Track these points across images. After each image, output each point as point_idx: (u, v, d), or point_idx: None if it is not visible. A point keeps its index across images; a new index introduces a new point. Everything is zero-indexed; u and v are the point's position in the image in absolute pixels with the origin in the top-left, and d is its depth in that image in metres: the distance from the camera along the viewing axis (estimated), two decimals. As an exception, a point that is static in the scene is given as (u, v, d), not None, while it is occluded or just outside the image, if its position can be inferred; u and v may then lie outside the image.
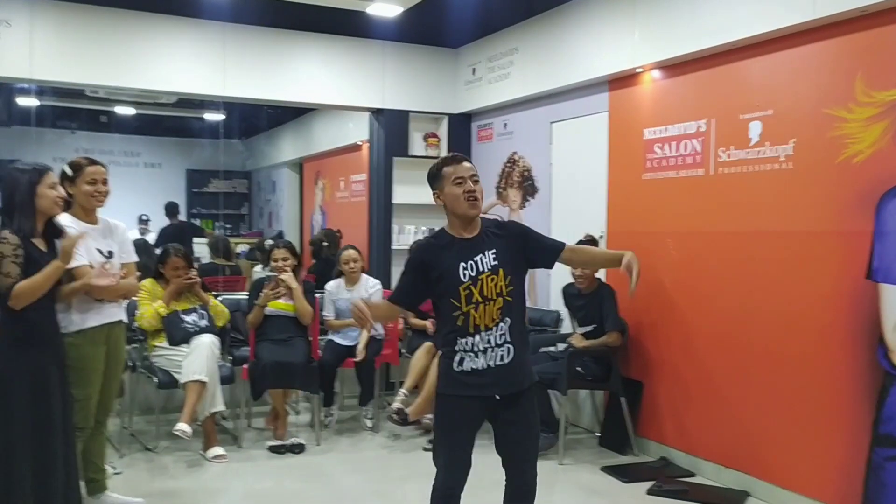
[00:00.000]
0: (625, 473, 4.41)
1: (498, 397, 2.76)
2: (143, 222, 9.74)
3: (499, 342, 2.73)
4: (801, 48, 3.83)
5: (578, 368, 4.73)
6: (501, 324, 2.72)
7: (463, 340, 2.74)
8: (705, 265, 4.41)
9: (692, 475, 4.40)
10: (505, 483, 2.89)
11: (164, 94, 6.66)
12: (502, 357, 2.74)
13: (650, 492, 4.13)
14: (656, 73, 4.73)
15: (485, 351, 2.73)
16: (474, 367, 2.74)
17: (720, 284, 4.29)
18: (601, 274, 4.95)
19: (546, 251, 2.88)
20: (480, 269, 2.71)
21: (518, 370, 2.77)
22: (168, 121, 10.49)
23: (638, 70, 4.77)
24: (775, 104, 3.97)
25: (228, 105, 7.83)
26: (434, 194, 2.83)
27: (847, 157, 3.61)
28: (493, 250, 2.74)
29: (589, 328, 4.80)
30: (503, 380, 2.75)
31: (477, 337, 2.72)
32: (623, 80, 4.95)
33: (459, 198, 2.72)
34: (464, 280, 2.70)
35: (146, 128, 10.85)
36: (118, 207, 4.04)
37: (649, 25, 4.60)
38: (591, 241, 4.86)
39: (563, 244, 2.89)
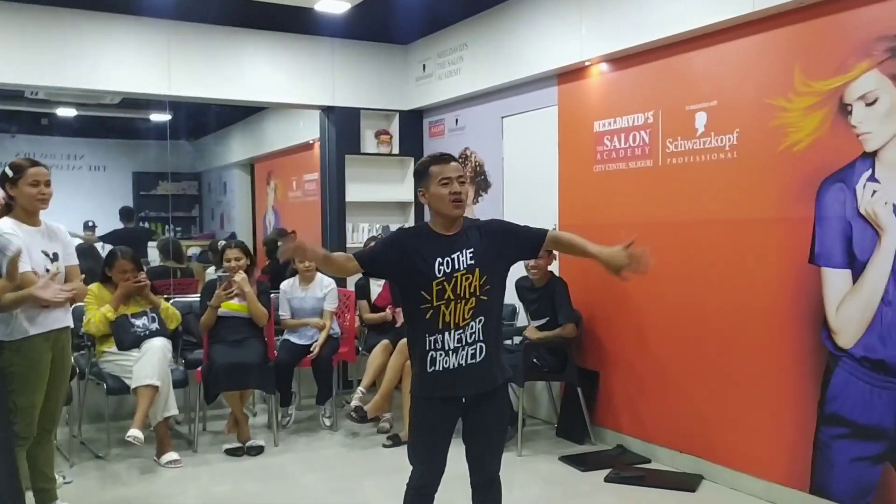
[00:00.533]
0: (582, 462, 4.47)
1: (464, 400, 2.75)
2: (90, 228, 9.49)
3: (470, 341, 2.71)
4: (742, 40, 3.93)
5: (535, 360, 4.78)
6: (473, 323, 2.70)
7: (432, 338, 2.71)
8: (656, 255, 4.43)
9: (648, 461, 4.48)
10: (469, 475, 2.90)
11: (107, 94, 6.50)
12: (474, 356, 2.72)
13: (608, 479, 4.19)
14: (604, 67, 4.79)
15: (456, 350, 2.71)
16: (446, 366, 2.71)
17: (671, 274, 4.37)
18: (554, 267, 5.00)
19: (528, 240, 2.85)
20: (456, 266, 2.70)
21: (490, 369, 2.76)
22: (112, 122, 10.24)
23: (586, 63, 4.83)
24: (719, 95, 4.06)
25: (175, 105, 7.67)
26: (419, 192, 2.81)
27: (788, 146, 3.71)
28: (472, 249, 2.73)
29: (542, 321, 4.85)
30: (475, 379, 2.74)
31: (447, 334, 2.70)
32: (571, 74, 5.01)
33: (445, 198, 2.72)
34: (438, 275, 2.69)
35: (89, 130, 10.56)
36: (62, 212, 3.94)
37: (596, 19, 4.66)
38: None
39: (545, 232, 2.84)
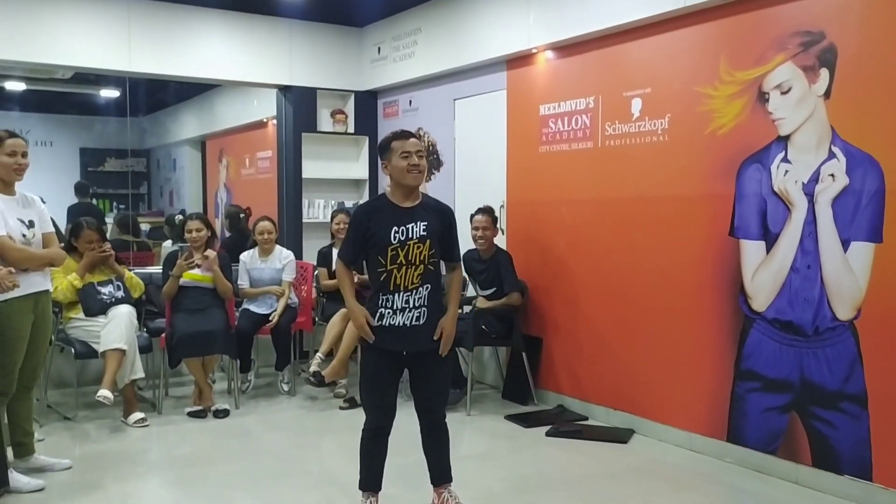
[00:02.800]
0: (525, 420, 4.84)
1: (405, 353, 3.13)
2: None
3: (416, 305, 3.09)
4: (674, 32, 4.31)
5: (483, 327, 5.12)
6: (421, 289, 3.09)
7: (384, 297, 3.10)
8: (594, 229, 4.87)
9: (585, 419, 4.88)
10: (419, 422, 3.25)
11: (63, 68, 6.55)
12: (417, 318, 3.10)
13: (548, 434, 4.57)
14: (550, 54, 5.13)
15: (403, 310, 3.09)
16: (392, 323, 3.10)
17: (607, 246, 4.76)
18: (500, 241, 5.34)
19: (447, 249, 3.22)
20: (410, 235, 3.08)
21: (429, 332, 3.13)
22: (61, 97, 10.15)
23: (533, 51, 5.16)
24: (653, 83, 4.43)
25: (125, 81, 7.70)
26: (382, 164, 3.18)
27: (713, 130, 4.11)
28: (426, 223, 3.10)
29: (490, 291, 5.19)
30: (415, 339, 3.13)
31: (396, 295, 3.08)
32: (520, 60, 5.33)
33: (404, 170, 3.09)
34: (393, 242, 3.06)
35: (37, 104, 10.46)
36: None
37: (543, 9, 4.99)
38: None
39: (458, 261, 3.30)
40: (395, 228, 3.08)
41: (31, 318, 3.53)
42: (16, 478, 3.55)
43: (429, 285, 3.11)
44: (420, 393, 3.24)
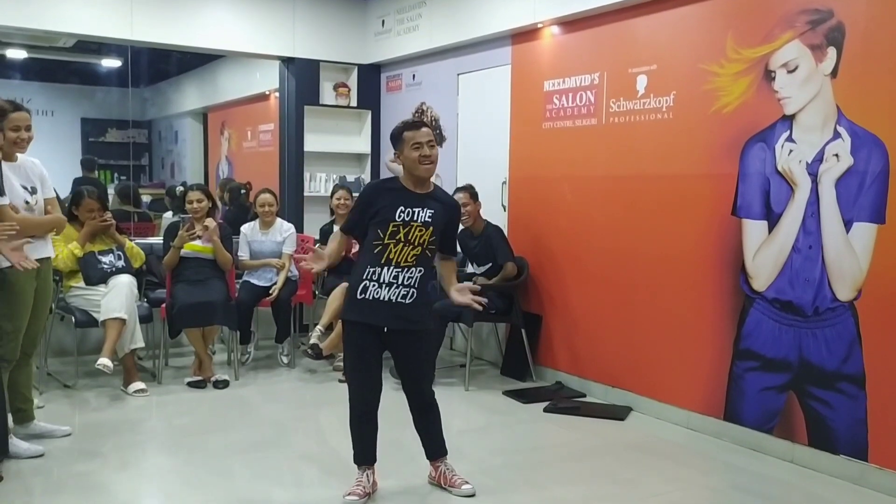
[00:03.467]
0: (524, 396, 4.86)
1: (386, 330, 3.12)
2: None
3: (405, 283, 3.09)
4: (681, 9, 4.26)
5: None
6: (413, 269, 3.10)
7: (372, 270, 3.09)
8: (597, 207, 4.86)
9: (583, 395, 4.90)
10: (408, 402, 3.29)
11: (65, 36, 6.50)
12: (404, 297, 3.11)
13: (546, 410, 4.59)
14: (555, 29, 5.08)
15: (390, 285, 3.08)
16: (376, 296, 3.09)
17: (609, 224, 4.74)
18: (502, 218, 5.33)
19: (444, 242, 3.25)
20: (415, 218, 3.11)
21: (414, 312, 3.13)
22: (63, 66, 10.10)
23: (538, 26, 5.11)
24: (659, 60, 4.40)
25: (127, 51, 7.65)
26: (395, 153, 3.22)
27: (718, 108, 4.08)
28: (432, 211, 3.14)
29: (486, 267, 5.18)
30: (398, 316, 3.11)
31: (385, 269, 3.08)
32: (525, 35, 5.29)
33: (416, 161, 3.12)
34: (396, 220, 3.09)
35: (38, 73, 10.40)
36: None
37: (549, -17, 4.94)
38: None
39: (453, 255, 3.41)
40: (403, 208, 3.11)
41: (34, 284, 3.53)
42: (15, 443, 3.57)
43: (422, 269, 3.12)
44: (405, 374, 3.26)
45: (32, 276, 3.50)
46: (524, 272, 5.20)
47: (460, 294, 3.22)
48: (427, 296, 3.19)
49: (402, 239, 3.08)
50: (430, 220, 3.12)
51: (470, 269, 5.60)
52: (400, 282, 3.09)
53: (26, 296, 3.49)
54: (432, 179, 3.26)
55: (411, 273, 3.10)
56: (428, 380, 3.33)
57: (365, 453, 3.22)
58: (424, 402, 3.28)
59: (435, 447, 3.32)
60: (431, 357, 3.42)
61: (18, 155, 3.61)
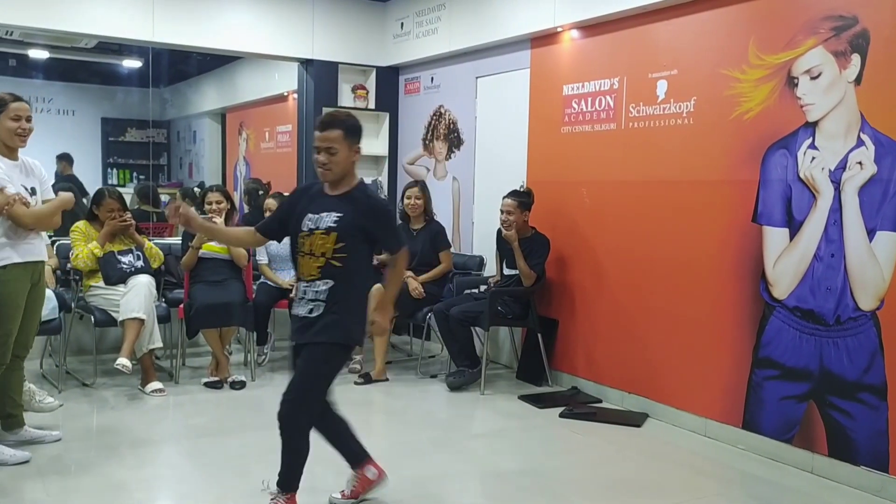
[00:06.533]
0: (539, 401, 4.84)
1: (294, 343, 3.02)
2: (67, 159, 9.46)
3: (311, 297, 2.89)
4: (702, 13, 4.23)
5: (499, 308, 5.11)
6: (319, 282, 2.86)
7: (297, 285, 3.02)
8: (615, 212, 4.83)
9: (599, 401, 4.87)
10: None
11: (87, 37, 6.55)
12: (311, 311, 2.89)
13: (562, 415, 4.56)
14: (575, 33, 5.06)
15: (301, 300, 2.95)
16: (294, 312, 3.00)
17: (628, 229, 4.72)
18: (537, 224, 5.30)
19: (383, 241, 3.04)
20: (318, 225, 2.87)
21: (316, 326, 2.88)
22: (84, 66, 10.19)
23: (558, 29, 5.10)
24: (679, 64, 4.37)
25: (148, 52, 7.71)
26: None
27: (739, 114, 4.05)
28: (340, 214, 2.86)
29: (515, 271, 5.15)
30: (300, 330, 2.94)
31: (301, 284, 2.96)
32: (544, 39, 5.27)
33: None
34: (303, 230, 2.91)
35: (60, 73, 10.50)
36: (28, 155, 3.83)
37: (569, -13, 4.92)
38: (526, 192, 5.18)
39: (399, 247, 3.02)
40: (310, 215, 2.90)
41: (28, 286, 3.48)
42: (1, 450, 3.48)
43: (330, 281, 2.86)
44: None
45: (27, 277, 3.46)
46: (541, 280, 5.14)
47: (373, 314, 3.00)
48: (343, 309, 2.88)
49: (307, 251, 2.88)
50: (334, 224, 2.84)
51: (488, 271, 5.60)
52: (308, 297, 2.90)
53: (19, 297, 3.42)
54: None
55: (317, 287, 2.87)
56: (294, 394, 2.91)
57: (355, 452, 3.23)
58: (278, 415, 2.95)
59: (279, 474, 3.03)
60: (312, 373, 2.91)
61: (20, 155, 3.57)
